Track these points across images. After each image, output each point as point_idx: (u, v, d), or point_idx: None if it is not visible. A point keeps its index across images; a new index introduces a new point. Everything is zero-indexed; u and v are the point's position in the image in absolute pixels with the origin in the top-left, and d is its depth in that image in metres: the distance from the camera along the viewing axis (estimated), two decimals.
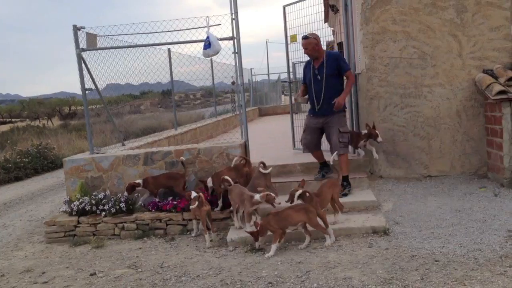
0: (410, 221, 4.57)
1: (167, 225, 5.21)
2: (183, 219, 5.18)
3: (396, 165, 6.04)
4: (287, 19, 7.09)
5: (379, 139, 5.59)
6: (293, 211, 4.22)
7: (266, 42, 31.72)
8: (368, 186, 5.58)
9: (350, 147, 5.70)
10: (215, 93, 13.52)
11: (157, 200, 5.44)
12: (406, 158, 6.02)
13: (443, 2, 5.80)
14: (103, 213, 5.36)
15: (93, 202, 5.43)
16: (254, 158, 5.71)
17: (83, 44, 6.04)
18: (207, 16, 5.70)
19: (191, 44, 5.96)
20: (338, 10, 8.07)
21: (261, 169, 5.05)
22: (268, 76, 25.71)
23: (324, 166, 5.71)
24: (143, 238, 5.14)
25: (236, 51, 5.80)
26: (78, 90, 6.27)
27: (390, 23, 5.92)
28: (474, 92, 5.83)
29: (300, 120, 6.95)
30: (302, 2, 6.73)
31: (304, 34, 5.46)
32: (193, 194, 4.84)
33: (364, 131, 5.71)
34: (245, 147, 5.87)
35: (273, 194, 4.49)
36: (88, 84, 6.22)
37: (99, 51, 6.27)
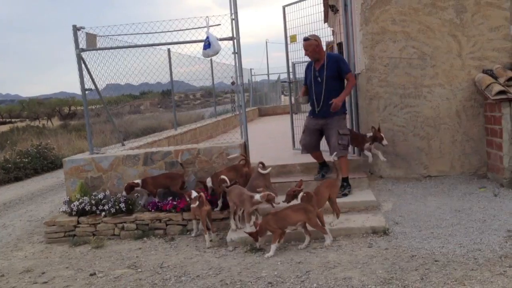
0: (410, 221, 4.57)
1: (166, 225, 5.21)
2: (183, 219, 5.19)
3: (396, 165, 6.04)
4: (287, 19, 7.10)
5: (385, 142, 5.49)
6: (291, 211, 4.22)
7: (266, 42, 31.74)
8: (368, 186, 5.59)
9: (350, 148, 5.69)
10: (215, 93, 13.53)
11: (156, 200, 5.44)
12: (406, 158, 6.02)
13: (442, 2, 5.80)
14: (103, 213, 5.36)
15: (93, 202, 5.43)
16: (254, 158, 5.71)
17: (83, 44, 6.04)
18: (207, 16, 5.70)
19: (191, 44, 5.96)
20: (337, 10, 8.09)
21: (260, 170, 5.05)
22: (268, 76, 25.73)
23: (323, 166, 5.72)
24: (143, 238, 5.14)
25: (236, 51, 5.80)
26: (78, 90, 6.27)
27: (389, 23, 5.92)
28: (474, 92, 5.83)
29: (300, 120, 6.95)
30: (302, 2, 6.74)
31: (305, 35, 5.45)
32: (194, 193, 4.85)
33: (369, 134, 5.63)
34: (245, 147, 5.87)
35: (273, 194, 4.50)
36: (88, 84, 6.22)
37: (99, 51, 6.27)
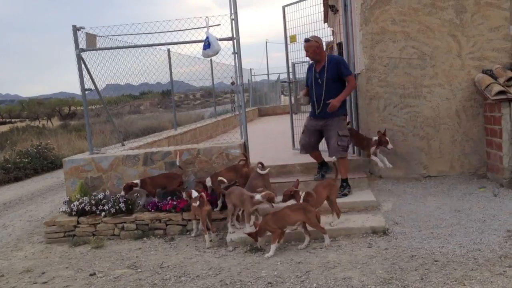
0: (410, 221, 4.57)
1: (166, 225, 5.21)
2: (183, 219, 5.19)
3: (396, 165, 6.03)
4: (286, 20, 7.10)
5: (389, 146, 5.45)
6: (290, 210, 4.22)
7: (266, 42, 31.80)
8: (367, 186, 5.59)
9: (350, 148, 5.69)
10: (214, 94, 13.53)
11: (156, 200, 5.44)
12: (405, 158, 6.03)
13: (442, 2, 5.81)
14: (103, 213, 5.36)
15: (93, 202, 5.43)
16: (254, 158, 5.71)
17: (82, 44, 6.04)
18: (207, 17, 5.69)
19: (190, 44, 5.95)
20: (337, 10, 8.08)
21: (259, 170, 5.04)
22: (268, 76, 25.75)
23: (323, 166, 5.72)
24: (142, 238, 5.14)
25: (236, 51, 5.80)
26: (77, 90, 6.27)
27: (389, 23, 5.93)
28: (474, 92, 5.83)
29: (300, 120, 6.95)
30: (302, 2, 6.74)
31: (305, 35, 5.44)
32: (194, 193, 4.85)
33: (374, 138, 5.59)
34: (245, 147, 5.87)
35: (273, 193, 4.51)
36: (88, 84, 6.22)
37: (98, 51, 6.27)
